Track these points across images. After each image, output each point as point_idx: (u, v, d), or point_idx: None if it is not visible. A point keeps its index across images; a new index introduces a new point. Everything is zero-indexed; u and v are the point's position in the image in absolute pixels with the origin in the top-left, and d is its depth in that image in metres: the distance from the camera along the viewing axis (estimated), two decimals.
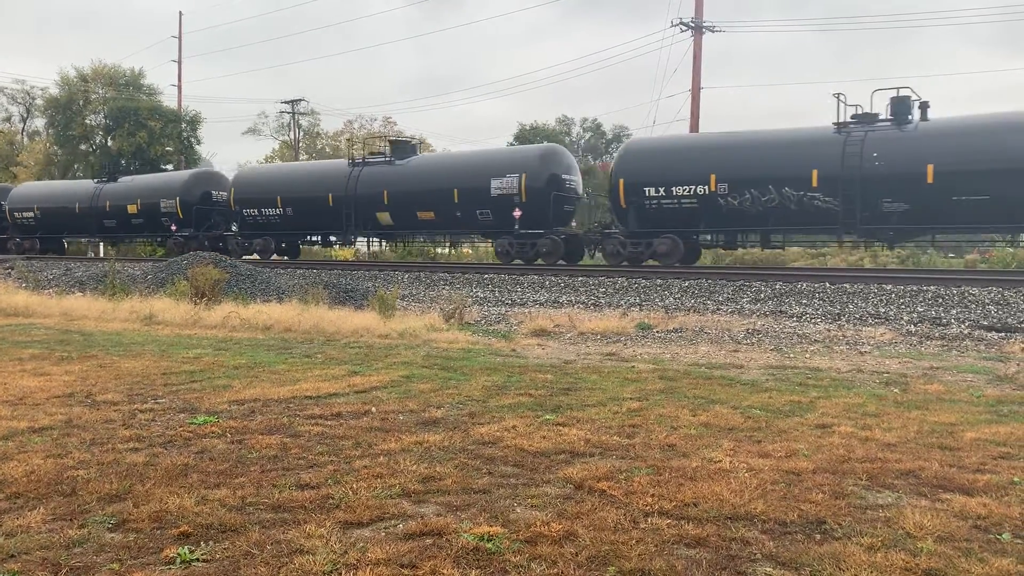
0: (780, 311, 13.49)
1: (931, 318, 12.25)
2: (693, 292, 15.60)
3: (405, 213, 24.62)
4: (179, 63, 53.17)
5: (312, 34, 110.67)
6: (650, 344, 10.27)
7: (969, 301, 13.03)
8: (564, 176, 22.69)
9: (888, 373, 7.91)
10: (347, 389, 6.88)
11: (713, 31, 34.67)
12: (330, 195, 25.84)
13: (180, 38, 52.96)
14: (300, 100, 59.11)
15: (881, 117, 18.65)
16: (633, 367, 8.24)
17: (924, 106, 18.45)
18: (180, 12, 54.20)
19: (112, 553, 3.36)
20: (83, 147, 49.64)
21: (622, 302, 15.17)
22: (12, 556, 3.30)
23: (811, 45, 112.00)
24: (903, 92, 18.57)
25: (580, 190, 23.69)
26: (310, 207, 26.53)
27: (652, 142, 22.96)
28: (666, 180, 19.74)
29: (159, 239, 32.78)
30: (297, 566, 3.20)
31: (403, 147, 26.61)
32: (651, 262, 20.52)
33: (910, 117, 18.35)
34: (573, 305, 15.10)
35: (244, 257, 26.76)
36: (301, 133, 62.06)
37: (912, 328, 11.51)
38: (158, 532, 3.58)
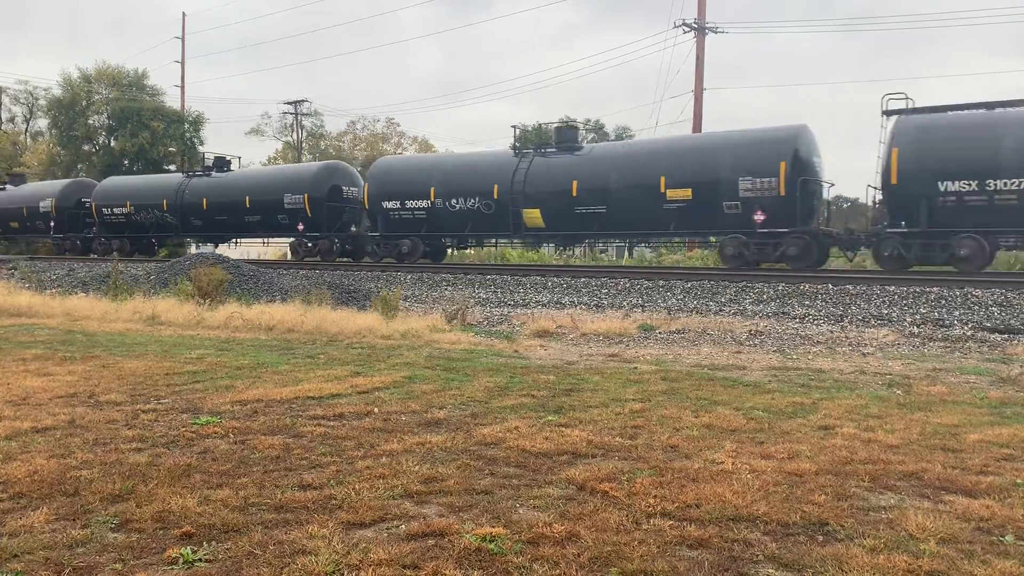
0: (783, 312, 13.48)
1: (934, 320, 12.23)
2: (696, 293, 15.60)
3: (2, 224, 37.74)
4: (182, 64, 53.33)
5: (328, 35, 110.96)
6: (652, 345, 10.26)
7: (972, 303, 13.01)
8: (84, 200, 34.52)
9: (891, 375, 7.90)
10: (349, 390, 6.89)
11: (716, 32, 34.68)
12: None
13: (183, 39, 53.12)
14: (303, 101, 59.16)
15: (213, 169, 31.46)
16: (635, 368, 8.24)
17: (227, 164, 31.67)
18: (183, 13, 54.27)
19: (115, 553, 3.37)
20: (86, 148, 49.72)
21: (624, 303, 15.17)
22: (15, 556, 3.31)
23: (833, 47, 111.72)
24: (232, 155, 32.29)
25: (94, 211, 33.86)
26: None
27: (115, 180, 35.96)
28: (114, 203, 32.90)
29: None
30: (299, 566, 3.20)
31: (16, 178, 40.40)
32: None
33: (226, 169, 31.47)
34: (575, 306, 15.09)
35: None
36: (304, 134, 62.08)
37: (915, 330, 11.50)
38: (161, 532, 3.59)
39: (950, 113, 17.79)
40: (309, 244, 26.99)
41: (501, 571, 3.19)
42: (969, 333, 11.18)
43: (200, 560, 3.30)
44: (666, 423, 5.68)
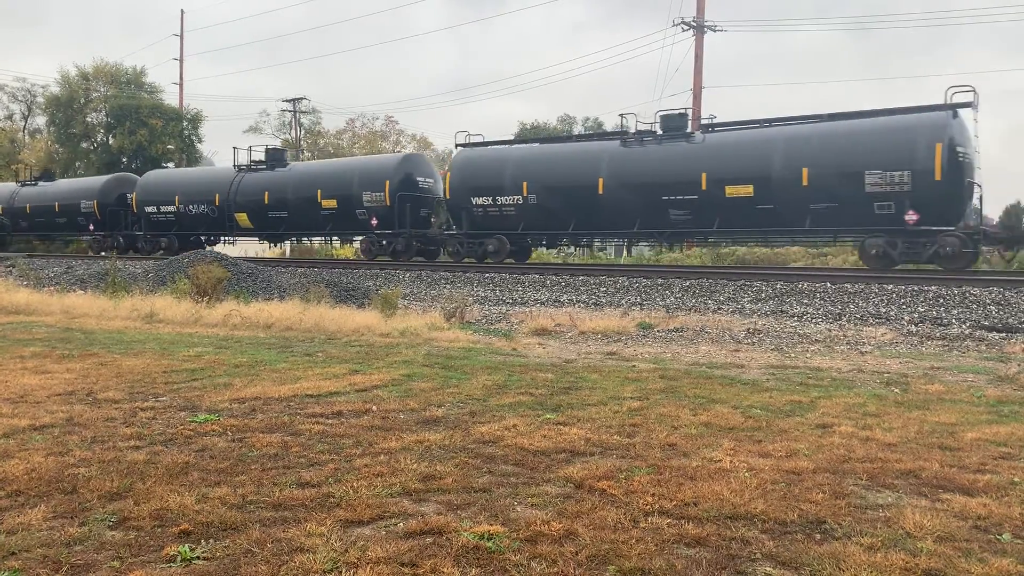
0: (781, 311, 13.49)
1: (932, 318, 12.24)
2: (694, 291, 15.60)
3: None
4: (181, 61, 53.29)
5: (338, 31, 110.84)
6: (651, 343, 10.27)
7: (970, 301, 13.02)
8: None
9: (889, 373, 7.91)
10: (348, 388, 6.89)
11: (715, 31, 34.66)
12: None
13: (182, 36, 53.07)
14: (302, 99, 59.08)
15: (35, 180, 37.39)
16: (634, 366, 8.24)
17: (52, 176, 38.65)
18: (182, 10, 54.14)
19: (113, 551, 3.37)
20: (84, 145, 49.68)
21: (623, 301, 15.17)
22: (13, 554, 3.31)
23: (845, 45, 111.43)
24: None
25: None
26: None
27: None
28: None
29: None
30: (297, 564, 3.20)
31: None
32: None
33: (51, 180, 37.21)
34: (574, 304, 15.10)
35: None
36: (303, 132, 62.01)
37: (913, 328, 11.51)
38: (159, 530, 3.59)
39: (489, 148, 24.03)
40: (99, 240, 33.37)
41: (499, 569, 3.19)
42: (967, 332, 11.19)
43: (198, 558, 3.30)
44: (664, 421, 5.68)
